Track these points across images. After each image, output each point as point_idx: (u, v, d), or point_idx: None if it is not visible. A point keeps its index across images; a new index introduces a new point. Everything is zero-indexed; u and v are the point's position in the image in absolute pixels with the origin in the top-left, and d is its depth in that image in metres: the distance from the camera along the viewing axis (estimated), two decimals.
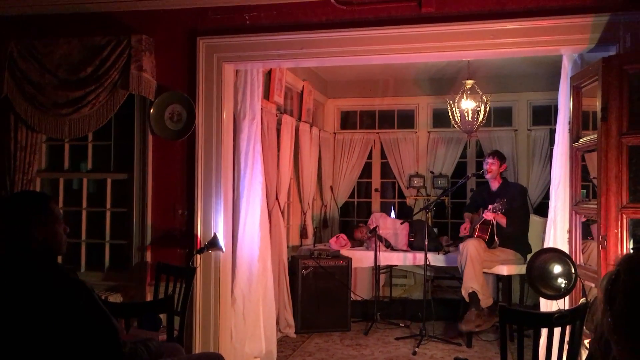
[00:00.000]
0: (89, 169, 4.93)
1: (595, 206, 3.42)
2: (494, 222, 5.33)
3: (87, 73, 4.23)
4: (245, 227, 4.53)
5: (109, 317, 2.26)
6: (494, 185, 5.68)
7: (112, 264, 4.76)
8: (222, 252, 4.28)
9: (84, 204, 4.85)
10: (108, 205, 4.77)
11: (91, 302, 2.21)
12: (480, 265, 5.20)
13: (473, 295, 5.18)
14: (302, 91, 6.52)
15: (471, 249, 5.17)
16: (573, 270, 3.03)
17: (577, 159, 3.91)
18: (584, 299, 3.11)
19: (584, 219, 3.93)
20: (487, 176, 5.65)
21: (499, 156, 5.68)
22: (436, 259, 5.86)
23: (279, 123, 5.66)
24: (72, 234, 4.74)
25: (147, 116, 4.37)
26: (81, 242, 4.81)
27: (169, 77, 4.38)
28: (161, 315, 3.74)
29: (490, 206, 5.27)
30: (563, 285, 3.00)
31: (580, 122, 3.89)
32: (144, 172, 4.43)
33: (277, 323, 5.38)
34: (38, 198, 2.43)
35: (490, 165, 5.60)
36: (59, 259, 2.62)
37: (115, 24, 4.40)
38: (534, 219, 5.83)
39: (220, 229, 4.30)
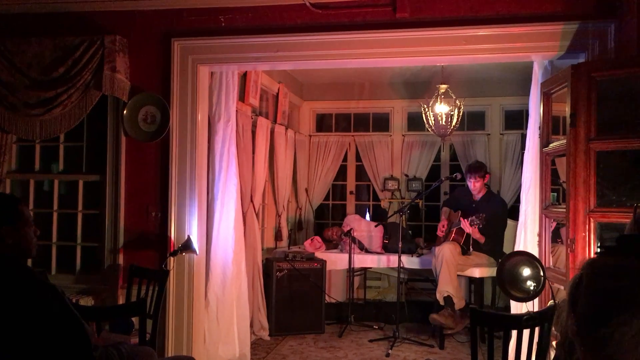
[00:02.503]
0: (61, 170, 4.86)
1: (565, 210, 3.49)
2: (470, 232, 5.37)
3: (59, 73, 4.18)
4: (219, 230, 4.52)
5: (80, 320, 2.23)
6: (477, 195, 5.68)
7: (84, 266, 4.71)
8: (196, 254, 4.27)
9: (55, 206, 4.79)
10: (80, 207, 4.72)
11: (61, 305, 2.18)
12: (455, 269, 5.25)
13: (448, 298, 5.24)
14: (277, 93, 6.52)
15: (447, 253, 5.22)
16: (542, 273, 3.08)
17: (547, 163, 3.98)
18: (552, 301, 3.17)
19: (553, 223, 4.00)
20: (473, 191, 5.66)
21: (480, 173, 5.59)
22: (410, 262, 5.91)
23: (254, 125, 5.65)
24: (43, 236, 4.69)
25: (121, 117, 4.33)
26: (52, 244, 4.75)
27: (143, 78, 4.35)
28: (133, 319, 3.71)
29: (466, 219, 5.31)
30: (532, 288, 3.05)
31: (550, 127, 3.97)
32: (116, 173, 4.39)
33: (251, 326, 5.37)
34: (7, 201, 2.39)
35: (474, 184, 5.59)
36: (29, 262, 2.59)
37: (88, 24, 4.35)
38: (507, 222, 5.90)
39: (194, 231, 4.28)
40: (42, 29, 4.37)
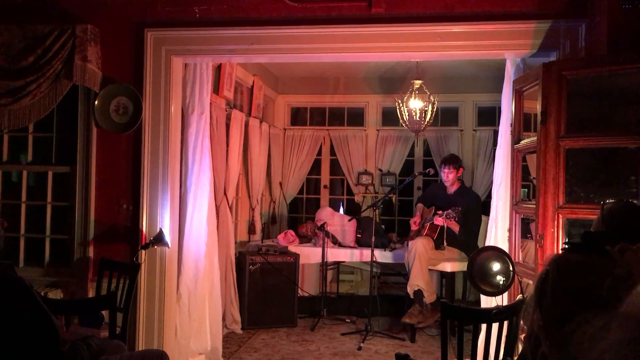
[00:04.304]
0: (29, 161, 4.77)
1: (534, 206, 3.55)
2: (445, 226, 5.42)
3: (28, 62, 4.09)
4: (192, 223, 4.48)
5: (48, 314, 2.20)
6: (451, 188, 5.76)
7: (53, 259, 4.64)
8: (168, 247, 4.23)
9: (24, 197, 4.70)
10: (49, 199, 4.64)
11: (29, 299, 2.15)
12: (427, 263, 5.31)
13: (418, 292, 5.30)
14: (252, 86, 6.49)
15: (419, 248, 5.28)
16: (511, 268, 3.14)
17: (518, 160, 4.04)
18: (521, 295, 3.23)
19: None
20: (446, 183, 5.73)
21: (454, 164, 5.69)
22: (383, 256, 5.95)
23: (228, 118, 5.62)
24: (11, 228, 4.63)
25: (92, 108, 4.26)
26: (20, 236, 4.66)
27: (115, 68, 4.28)
28: (103, 312, 3.67)
29: (441, 212, 5.37)
30: (501, 283, 3.11)
31: (522, 124, 4.02)
32: (87, 165, 4.32)
33: (224, 319, 5.35)
34: None
35: (447, 175, 5.67)
36: None
37: (59, 12, 4.26)
38: None
39: (166, 224, 4.25)
40: (11, 17, 4.27)
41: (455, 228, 5.45)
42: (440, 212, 5.43)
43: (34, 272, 4.51)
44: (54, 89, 4.13)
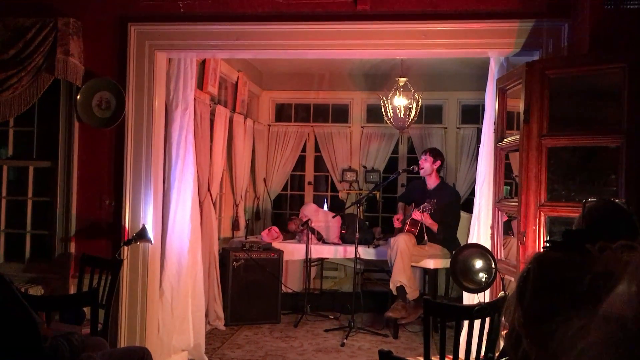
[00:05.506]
0: (10, 155, 4.71)
1: (517, 203, 3.58)
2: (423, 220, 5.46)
3: (9, 55, 4.03)
4: (175, 219, 4.46)
5: (28, 310, 2.18)
6: (430, 183, 5.79)
7: (33, 255, 4.59)
8: (151, 243, 4.20)
9: (4, 192, 4.64)
10: (30, 194, 4.58)
11: (8, 294, 2.13)
12: (409, 260, 5.34)
13: (400, 288, 5.33)
14: (236, 82, 6.46)
15: (401, 244, 5.30)
16: (493, 265, 3.17)
17: (501, 158, 4.07)
18: (503, 292, 3.26)
19: (504, 217, 4.10)
20: (421, 172, 5.78)
21: (432, 153, 5.75)
22: (366, 252, 5.97)
23: (212, 114, 5.59)
24: None
25: (74, 102, 4.22)
26: (0, 232, 4.60)
27: (98, 63, 4.24)
28: (85, 309, 3.64)
29: (419, 206, 5.41)
30: (484, 280, 3.14)
31: (505, 122, 4.05)
32: (69, 160, 4.28)
33: (207, 316, 5.33)
34: None
35: (423, 162, 5.73)
36: None
37: (41, 5, 4.20)
38: (461, 215, 6.02)
39: (149, 220, 4.22)
40: None
41: (433, 227, 5.49)
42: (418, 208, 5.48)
43: (14, 268, 4.45)
44: (35, 83, 4.07)
